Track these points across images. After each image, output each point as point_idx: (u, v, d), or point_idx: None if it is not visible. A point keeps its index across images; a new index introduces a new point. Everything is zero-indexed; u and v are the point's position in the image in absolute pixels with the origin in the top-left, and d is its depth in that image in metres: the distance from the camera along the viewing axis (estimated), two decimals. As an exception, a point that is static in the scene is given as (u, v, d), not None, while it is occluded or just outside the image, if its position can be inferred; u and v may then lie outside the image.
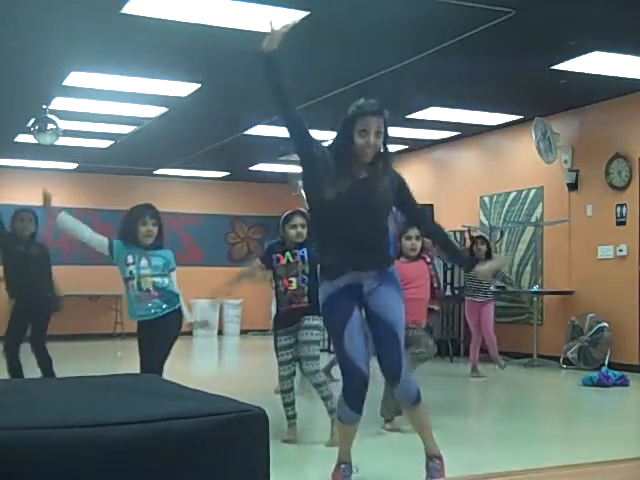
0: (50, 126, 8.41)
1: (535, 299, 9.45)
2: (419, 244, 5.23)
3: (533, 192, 9.73)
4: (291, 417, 4.74)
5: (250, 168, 13.22)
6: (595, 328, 8.56)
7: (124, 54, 6.90)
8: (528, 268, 9.76)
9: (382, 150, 3.53)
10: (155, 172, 13.52)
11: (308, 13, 5.82)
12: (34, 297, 6.25)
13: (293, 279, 4.67)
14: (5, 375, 5.95)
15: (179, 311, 4.82)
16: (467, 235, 10.03)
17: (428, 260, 5.34)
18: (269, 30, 3.55)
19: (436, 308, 5.44)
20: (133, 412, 1.90)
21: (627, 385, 7.26)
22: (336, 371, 7.47)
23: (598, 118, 8.86)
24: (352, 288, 3.51)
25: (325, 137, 11.10)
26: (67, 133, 9.04)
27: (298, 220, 4.73)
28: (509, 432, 5.22)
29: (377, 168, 3.53)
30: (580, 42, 6.58)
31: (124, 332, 12.30)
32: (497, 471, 3.95)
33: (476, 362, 8.19)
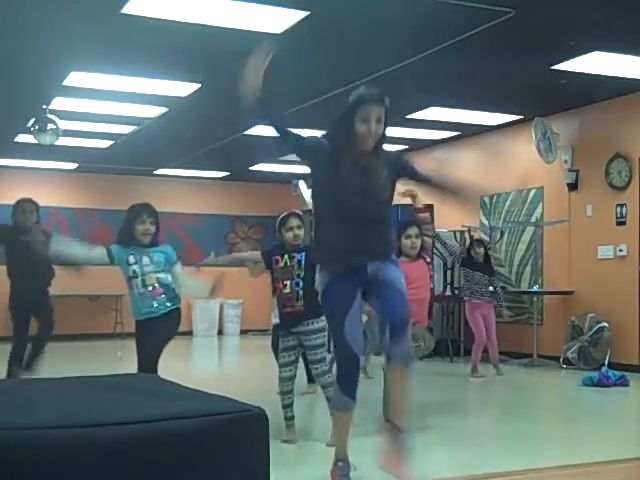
0: (50, 126, 8.40)
1: (535, 299, 9.45)
2: (419, 242, 5.23)
3: (533, 192, 9.73)
4: (289, 418, 4.74)
5: (250, 168, 13.22)
6: (595, 328, 8.56)
7: (124, 54, 6.89)
8: (528, 268, 9.76)
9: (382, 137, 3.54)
10: (155, 172, 13.52)
11: (308, 13, 5.82)
12: (38, 290, 6.22)
13: (287, 282, 4.67)
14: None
15: (179, 311, 4.84)
16: (467, 235, 10.03)
17: (428, 260, 5.35)
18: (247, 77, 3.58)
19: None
20: (133, 412, 1.90)
21: (627, 385, 7.26)
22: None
23: (598, 118, 8.86)
24: (356, 271, 3.50)
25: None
26: (67, 133, 9.04)
27: (294, 222, 4.73)
28: (509, 432, 5.22)
29: (377, 155, 3.54)
30: (580, 42, 6.58)
31: (124, 332, 12.30)
32: (497, 471, 3.95)
33: (477, 362, 8.19)
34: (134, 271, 4.69)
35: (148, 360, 4.63)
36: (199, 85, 7.89)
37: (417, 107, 8.82)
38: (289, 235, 4.70)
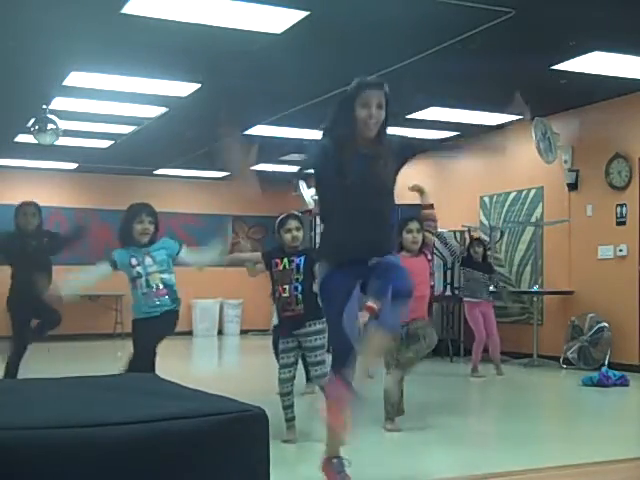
0: (50, 126, 8.40)
1: (535, 299, 9.45)
2: (420, 237, 5.23)
3: (533, 192, 9.73)
4: (290, 419, 4.74)
5: (250, 168, 13.19)
6: (595, 328, 8.56)
7: (124, 54, 6.89)
8: (528, 268, 9.76)
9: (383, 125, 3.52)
10: (155, 172, 13.52)
11: (308, 13, 5.82)
12: (37, 293, 6.20)
13: (286, 286, 4.67)
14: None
15: (178, 312, 4.84)
16: (467, 235, 10.03)
17: (429, 257, 5.34)
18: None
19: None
20: (133, 412, 1.90)
21: (627, 385, 7.26)
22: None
23: (598, 118, 8.86)
24: (355, 264, 3.48)
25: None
26: (67, 133, 9.04)
27: (293, 224, 4.73)
28: (509, 432, 5.22)
29: (380, 142, 3.52)
30: (580, 42, 6.58)
31: (124, 332, 12.29)
32: (497, 471, 3.95)
33: (477, 362, 8.18)
34: (138, 272, 4.70)
35: (145, 358, 4.64)
36: (199, 85, 7.89)
37: (417, 107, 8.82)
38: (287, 237, 4.70)
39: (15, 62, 7.12)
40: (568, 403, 7.08)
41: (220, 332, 14.36)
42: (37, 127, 8.41)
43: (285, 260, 4.70)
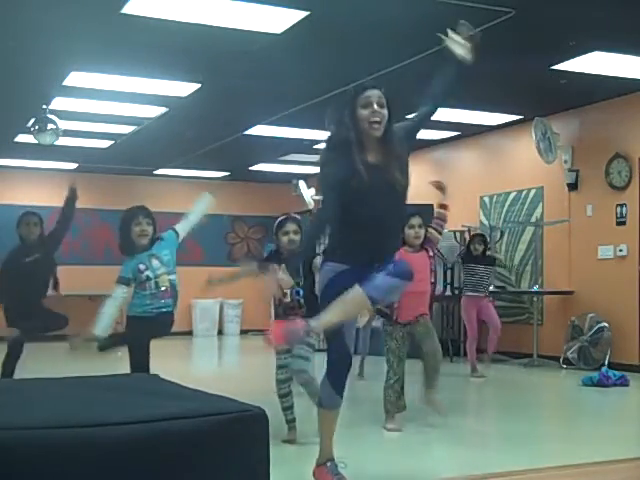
0: (50, 126, 8.40)
1: (535, 299, 9.45)
2: (422, 232, 5.23)
3: (533, 192, 9.73)
4: (290, 421, 4.73)
5: (250, 168, 13.22)
6: (595, 328, 8.56)
7: (124, 54, 6.89)
8: (528, 268, 9.76)
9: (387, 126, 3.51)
10: (155, 172, 13.52)
11: (308, 13, 5.82)
12: (39, 300, 6.18)
13: (287, 292, 4.66)
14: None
15: (173, 313, 4.84)
16: (467, 235, 10.03)
17: (431, 254, 5.34)
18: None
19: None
20: (133, 412, 1.90)
21: (627, 385, 7.26)
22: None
23: (598, 118, 8.86)
24: (361, 270, 3.45)
25: (325, 137, 10.96)
26: (67, 133, 9.04)
27: (291, 227, 4.71)
28: (509, 432, 5.22)
29: (388, 140, 3.50)
30: (580, 42, 6.58)
31: (118, 331, 12.28)
32: (497, 471, 3.95)
33: (475, 362, 8.17)
34: (147, 276, 4.71)
35: (145, 357, 4.65)
36: (199, 85, 7.89)
37: (417, 107, 8.80)
38: (284, 239, 4.70)
39: (15, 62, 7.12)
40: (568, 403, 7.08)
41: (220, 332, 14.36)
42: (37, 127, 8.41)
43: (284, 266, 4.69)
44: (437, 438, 5.00)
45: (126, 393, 2.20)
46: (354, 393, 6.28)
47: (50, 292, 6.36)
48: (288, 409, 4.72)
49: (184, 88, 8.00)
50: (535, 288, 9.42)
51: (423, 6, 5.71)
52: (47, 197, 12.75)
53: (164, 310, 4.73)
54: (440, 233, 5.55)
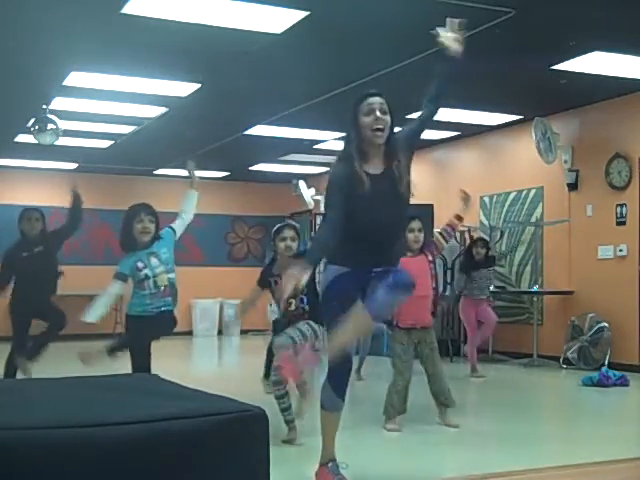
0: (50, 126, 8.40)
1: (535, 299, 9.45)
2: (422, 236, 5.24)
3: (533, 192, 9.73)
4: (290, 421, 4.73)
5: (250, 168, 13.22)
6: (595, 328, 8.56)
7: (124, 54, 6.89)
8: (528, 268, 9.76)
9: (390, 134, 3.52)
10: (155, 172, 13.52)
11: (308, 13, 5.81)
12: (41, 298, 6.19)
13: (292, 301, 4.70)
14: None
15: (173, 312, 4.84)
16: (467, 235, 10.03)
17: (430, 258, 5.33)
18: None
19: (433, 310, 5.45)
20: (133, 412, 1.90)
21: (627, 385, 7.26)
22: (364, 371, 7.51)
23: (598, 118, 8.86)
24: (361, 273, 3.50)
25: (325, 137, 11.05)
26: (67, 133, 9.04)
27: (288, 233, 4.76)
28: (509, 432, 5.22)
29: (391, 150, 3.51)
30: (580, 42, 6.58)
31: (124, 332, 12.29)
32: (497, 471, 3.95)
33: (475, 362, 8.17)
34: (146, 274, 4.70)
35: (146, 357, 4.64)
36: (199, 85, 7.89)
37: (417, 107, 8.80)
38: (281, 245, 4.76)
39: (15, 62, 7.12)
40: (568, 403, 7.08)
41: (220, 332, 14.36)
42: (37, 127, 8.41)
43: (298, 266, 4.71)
44: (437, 438, 5.00)
45: (126, 393, 2.20)
46: (354, 393, 6.27)
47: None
48: (286, 410, 4.72)
49: (184, 88, 8.00)
50: (535, 288, 9.42)
51: (423, 6, 5.70)
52: (47, 197, 12.76)
53: (164, 309, 4.73)
54: (447, 241, 5.57)
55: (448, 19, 3.75)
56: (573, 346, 8.70)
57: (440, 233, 5.52)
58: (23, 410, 1.96)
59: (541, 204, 9.62)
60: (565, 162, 9.12)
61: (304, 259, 3.40)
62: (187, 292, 13.13)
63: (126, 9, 5.69)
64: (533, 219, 9.71)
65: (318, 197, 11.71)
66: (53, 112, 8.50)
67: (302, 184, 11.91)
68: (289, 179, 12.89)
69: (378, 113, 3.46)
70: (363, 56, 6.93)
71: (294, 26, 6.05)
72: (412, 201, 5.45)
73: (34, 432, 1.74)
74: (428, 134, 10.45)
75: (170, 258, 4.78)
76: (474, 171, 10.68)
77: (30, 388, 2.53)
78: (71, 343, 11.32)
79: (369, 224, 3.47)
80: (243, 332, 14.34)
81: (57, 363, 6.35)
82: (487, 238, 9.74)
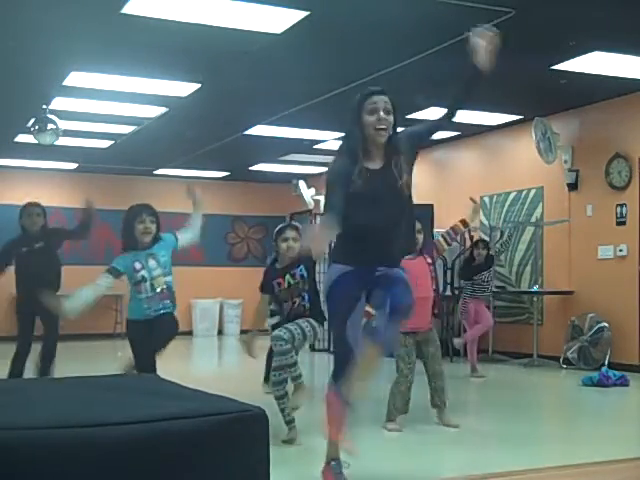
0: (50, 126, 8.40)
1: (535, 299, 9.45)
2: (421, 238, 5.24)
3: (533, 192, 9.73)
4: (289, 422, 4.73)
5: (250, 168, 13.22)
6: (595, 328, 8.56)
7: (124, 54, 6.89)
8: (528, 268, 9.76)
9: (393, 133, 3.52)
10: (155, 172, 13.52)
11: (308, 13, 5.81)
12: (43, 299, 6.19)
13: (296, 299, 4.74)
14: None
15: (174, 314, 4.84)
16: (467, 235, 10.03)
17: (429, 261, 5.33)
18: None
19: (435, 312, 5.47)
20: (133, 412, 1.90)
21: (627, 385, 7.26)
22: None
23: (598, 118, 8.86)
24: (365, 272, 3.52)
25: (325, 137, 11.05)
26: (67, 133, 9.04)
27: (290, 234, 4.76)
28: (509, 432, 5.22)
29: (392, 150, 3.51)
30: (580, 42, 6.58)
31: (124, 332, 12.29)
32: (497, 471, 3.95)
33: (475, 362, 8.18)
34: (142, 276, 4.67)
35: (151, 360, 4.62)
36: (199, 85, 7.89)
37: (417, 107, 8.82)
38: (283, 246, 4.76)
39: (15, 62, 7.12)
40: (568, 403, 7.08)
41: (220, 332, 14.36)
42: (37, 127, 8.41)
43: (287, 277, 4.74)
44: (437, 438, 5.00)
45: (126, 393, 2.20)
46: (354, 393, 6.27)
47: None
48: (285, 410, 4.72)
49: (184, 88, 8.00)
50: (535, 288, 9.42)
51: (423, 6, 5.71)
52: (47, 197, 12.71)
53: (163, 312, 4.71)
54: (449, 244, 5.57)
55: (485, 27, 3.67)
56: (573, 346, 8.70)
57: (443, 237, 5.52)
58: (23, 410, 1.96)
59: (541, 204, 9.62)
60: (565, 162, 9.13)
61: (323, 220, 3.40)
62: (187, 292, 13.17)
63: (126, 9, 5.69)
64: (533, 219, 9.71)
65: (318, 197, 11.72)
66: (53, 112, 8.50)
67: (302, 184, 11.92)
68: (289, 179, 12.91)
69: (382, 113, 3.46)
70: (363, 56, 6.93)
71: (294, 26, 6.05)
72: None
73: (34, 432, 1.74)
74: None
75: (168, 261, 4.76)
76: (474, 171, 10.68)
77: (30, 388, 2.53)
78: (71, 343, 11.35)
79: (368, 219, 3.47)
80: (243, 332, 14.33)
81: (57, 363, 6.35)
82: (487, 238, 9.75)
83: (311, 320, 4.72)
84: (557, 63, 7.15)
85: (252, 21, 5.97)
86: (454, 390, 7.56)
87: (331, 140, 10.47)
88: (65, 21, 6.03)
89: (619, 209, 8.53)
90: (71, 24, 6.10)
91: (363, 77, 7.37)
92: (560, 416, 6.61)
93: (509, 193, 10.08)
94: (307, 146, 11.10)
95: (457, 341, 8.68)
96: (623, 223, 8.49)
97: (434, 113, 9.12)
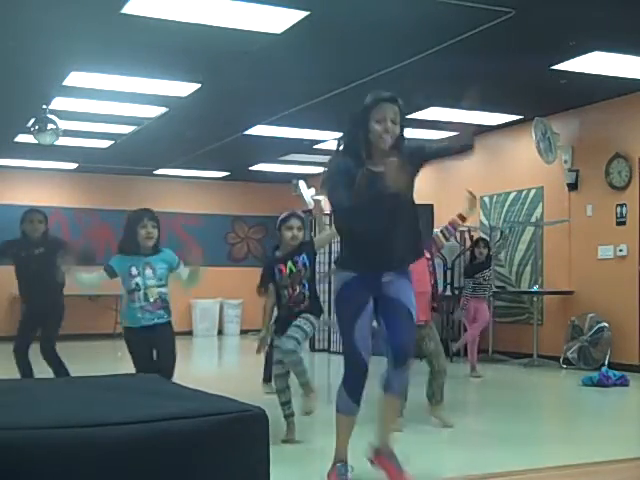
0: (50, 126, 8.40)
1: (535, 299, 9.45)
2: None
3: (533, 192, 9.73)
4: (288, 416, 4.74)
5: (250, 168, 13.22)
6: (595, 328, 8.56)
7: (124, 54, 6.89)
8: (528, 268, 9.76)
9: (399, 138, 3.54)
10: (155, 172, 13.51)
11: (308, 13, 5.81)
12: (44, 301, 6.18)
13: (297, 287, 4.73)
14: (16, 376, 5.93)
15: (171, 323, 4.81)
16: (467, 235, 10.03)
17: (428, 256, 5.34)
18: None
19: (434, 305, 5.48)
20: (133, 412, 1.90)
21: (627, 385, 7.26)
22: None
23: (598, 118, 8.86)
24: (370, 278, 3.54)
25: (325, 137, 11.07)
26: (67, 133, 9.04)
27: (295, 223, 4.74)
28: (509, 432, 5.22)
29: (397, 155, 3.50)
30: (580, 42, 6.58)
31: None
32: (497, 471, 3.95)
33: (474, 362, 8.18)
34: (137, 284, 4.63)
35: (149, 366, 4.57)
36: (199, 85, 7.89)
37: (417, 107, 8.82)
38: (288, 234, 4.72)
39: (15, 62, 7.12)
40: (568, 403, 7.08)
41: (220, 332, 14.36)
42: (37, 127, 8.40)
43: (290, 264, 4.72)
44: (437, 438, 5.00)
45: (126, 393, 2.20)
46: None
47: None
48: (286, 404, 4.74)
49: (184, 88, 8.00)
50: (535, 288, 9.42)
51: (423, 6, 5.71)
52: (47, 197, 12.77)
53: (158, 321, 4.67)
54: (447, 239, 5.57)
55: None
56: (573, 346, 8.70)
57: (442, 231, 5.52)
58: (24, 410, 1.97)
59: (541, 204, 9.62)
60: (565, 162, 9.13)
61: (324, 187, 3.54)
62: (187, 292, 13.17)
63: (126, 9, 5.69)
64: (533, 219, 9.71)
65: (318, 197, 11.71)
66: (53, 112, 8.50)
67: (302, 184, 11.91)
68: (289, 179, 12.89)
69: (389, 124, 3.47)
70: (363, 56, 6.93)
71: (294, 26, 6.05)
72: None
73: (34, 432, 1.74)
74: (428, 134, 10.45)
75: (164, 275, 4.71)
76: (474, 171, 10.68)
77: (30, 388, 2.53)
78: (71, 343, 11.34)
79: (370, 226, 3.47)
80: (243, 332, 14.34)
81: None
82: (487, 238, 9.75)
83: (310, 317, 4.71)
84: (557, 63, 7.15)
85: (252, 21, 5.97)
86: (454, 390, 7.56)
87: (331, 140, 10.47)
88: (65, 21, 6.03)
89: (619, 209, 8.53)
90: (71, 24, 6.10)
91: (363, 77, 7.38)
92: (560, 416, 6.61)
93: (509, 193, 10.08)
94: (307, 146, 11.10)
95: (455, 345, 8.69)
96: (623, 223, 8.49)
97: (434, 113, 9.13)
